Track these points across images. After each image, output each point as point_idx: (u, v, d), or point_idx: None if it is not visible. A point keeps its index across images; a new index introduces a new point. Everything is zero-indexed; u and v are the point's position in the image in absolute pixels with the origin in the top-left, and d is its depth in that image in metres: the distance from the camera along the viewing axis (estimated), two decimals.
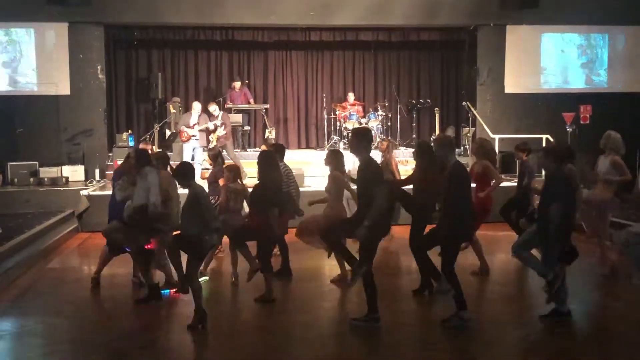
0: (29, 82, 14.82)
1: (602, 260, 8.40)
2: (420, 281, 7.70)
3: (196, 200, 6.63)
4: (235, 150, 14.78)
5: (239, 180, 8.49)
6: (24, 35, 14.79)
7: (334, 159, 8.13)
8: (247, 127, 16.37)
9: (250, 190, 8.03)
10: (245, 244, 7.84)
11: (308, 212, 8.66)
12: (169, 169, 8.13)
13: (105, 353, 6.21)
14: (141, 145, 10.59)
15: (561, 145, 7.27)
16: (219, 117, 13.87)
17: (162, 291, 7.78)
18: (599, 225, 8.31)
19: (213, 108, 14.18)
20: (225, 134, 13.76)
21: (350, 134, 7.31)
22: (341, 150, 11.25)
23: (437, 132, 15.95)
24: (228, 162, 12.08)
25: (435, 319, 6.71)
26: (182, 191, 7.14)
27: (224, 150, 13.32)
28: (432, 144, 8.32)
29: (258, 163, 7.78)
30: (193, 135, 13.74)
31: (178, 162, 8.55)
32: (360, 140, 6.67)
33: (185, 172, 6.83)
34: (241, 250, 7.88)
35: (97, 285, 8.22)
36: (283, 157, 8.90)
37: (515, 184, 9.65)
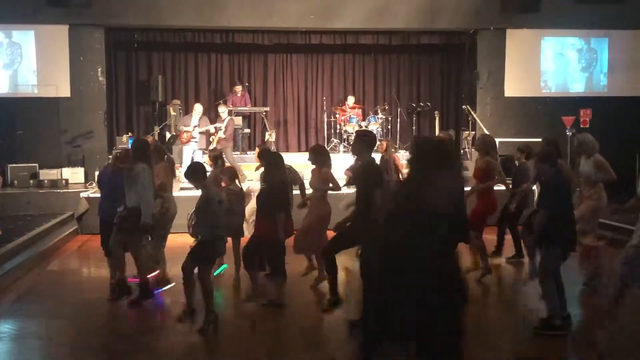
0: (29, 84, 14.83)
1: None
2: None
3: (207, 204, 6.63)
4: (235, 153, 14.80)
5: (236, 182, 8.51)
6: (25, 37, 14.81)
7: (317, 156, 8.00)
8: (247, 130, 16.39)
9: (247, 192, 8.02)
10: (255, 266, 7.61)
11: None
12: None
13: (105, 355, 6.22)
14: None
15: (550, 145, 7.12)
16: (225, 121, 13.88)
17: (157, 290, 7.91)
18: (588, 227, 8.15)
19: (222, 109, 14.21)
20: (226, 137, 13.77)
21: (354, 136, 7.28)
22: (327, 148, 11.31)
23: (437, 135, 15.96)
24: (227, 165, 12.08)
25: None
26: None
27: (223, 154, 13.35)
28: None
29: (265, 166, 7.74)
30: (193, 137, 13.74)
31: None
32: (363, 142, 6.65)
33: (199, 172, 6.84)
34: (250, 273, 7.67)
35: (115, 290, 7.92)
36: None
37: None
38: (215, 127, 13.94)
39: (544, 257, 6.59)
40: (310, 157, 8.07)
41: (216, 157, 9.22)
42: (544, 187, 6.65)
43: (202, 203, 6.65)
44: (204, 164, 7.47)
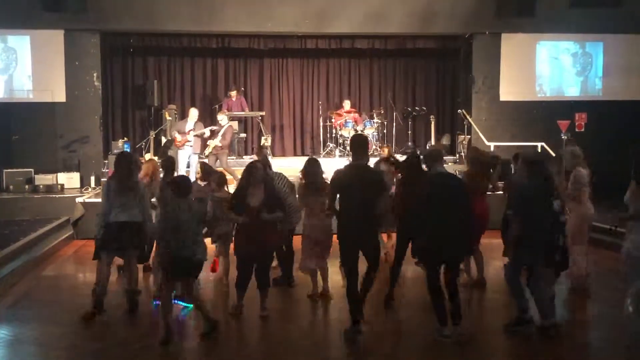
0: (24, 89, 14.81)
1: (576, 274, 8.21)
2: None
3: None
4: (231, 158, 14.76)
5: (225, 188, 8.47)
6: (20, 42, 14.78)
7: (305, 168, 8.02)
8: (242, 135, 16.38)
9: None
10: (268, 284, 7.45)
11: None
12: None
13: None
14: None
15: (528, 153, 7.08)
16: (224, 128, 13.84)
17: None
18: (578, 237, 8.12)
19: (221, 117, 14.18)
20: (222, 146, 13.72)
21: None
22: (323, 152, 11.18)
23: (433, 139, 15.99)
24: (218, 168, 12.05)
25: (431, 328, 6.69)
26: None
27: (217, 161, 13.35)
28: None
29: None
30: (187, 141, 13.73)
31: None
32: (350, 146, 6.74)
33: (173, 186, 6.87)
34: (262, 293, 7.43)
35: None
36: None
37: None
38: (211, 130, 13.93)
39: (510, 258, 6.69)
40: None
41: (208, 173, 9.09)
42: (514, 190, 6.69)
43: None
44: (187, 181, 7.23)
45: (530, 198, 6.48)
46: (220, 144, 13.65)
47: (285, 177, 8.68)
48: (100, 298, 7.43)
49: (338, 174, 6.84)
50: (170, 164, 8.83)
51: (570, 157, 8.17)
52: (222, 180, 8.50)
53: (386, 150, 11.00)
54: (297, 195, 8.27)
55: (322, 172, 8.01)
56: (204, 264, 6.91)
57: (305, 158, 8.58)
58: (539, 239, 6.45)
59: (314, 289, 8.09)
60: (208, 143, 13.78)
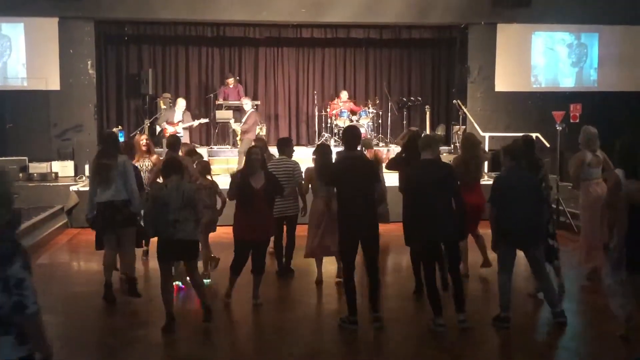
0: (18, 77, 14.73)
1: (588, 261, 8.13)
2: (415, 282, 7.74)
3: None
4: (226, 146, 14.75)
5: (208, 177, 8.48)
6: (14, 30, 14.70)
7: (316, 153, 8.24)
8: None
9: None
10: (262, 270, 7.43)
11: None
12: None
13: (95, 350, 6.21)
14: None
15: (514, 143, 7.05)
16: (247, 113, 13.97)
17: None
18: (585, 225, 8.09)
19: (246, 101, 14.29)
20: (245, 130, 13.88)
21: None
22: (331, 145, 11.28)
23: (428, 129, 15.98)
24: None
25: (427, 318, 6.71)
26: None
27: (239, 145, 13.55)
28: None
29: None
30: (177, 133, 13.73)
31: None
32: (342, 138, 6.83)
33: (164, 166, 6.92)
34: (256, 279, 7.46)
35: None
36: (285, 152, 8.82)
37: None
38: (200, 123, 13.99)
39: (498, 252, 6.72)
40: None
41: (190, 152, 9.15)
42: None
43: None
44: (175, 161, 7.25)
45: (501, 188, 6.54)
46: (242, 129, 13.79)
47: (288, 164, 8.63)
48: (108, 288, 7.45)
49: (332, 166, 6.89)
50: (175, 142, 8.81)
51: (581, 135, 8.12)
52: (205, 169, 8.49)
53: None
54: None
55: (331, 159, 8.05)
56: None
57: (300, 147, 8.68)
58: (518, 227, 6.46)
59: (319, 275, 8.21)
60: (234, 128, 13.92)
